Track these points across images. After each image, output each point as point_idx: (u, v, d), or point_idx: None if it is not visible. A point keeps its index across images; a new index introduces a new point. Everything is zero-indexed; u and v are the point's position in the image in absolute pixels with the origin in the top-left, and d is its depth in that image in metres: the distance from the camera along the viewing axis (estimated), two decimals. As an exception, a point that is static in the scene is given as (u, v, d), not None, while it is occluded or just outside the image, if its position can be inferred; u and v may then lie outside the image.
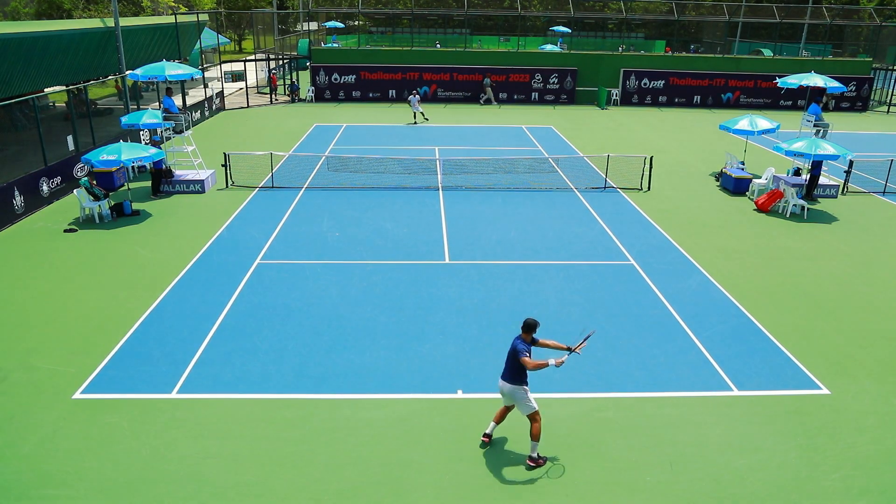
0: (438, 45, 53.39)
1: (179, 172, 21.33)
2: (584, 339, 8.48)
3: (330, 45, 53.54)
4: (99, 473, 8.33)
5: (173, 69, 20.93)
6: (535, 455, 8.58)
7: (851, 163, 22.06)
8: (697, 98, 40.75)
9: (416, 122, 33.36)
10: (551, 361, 8.16)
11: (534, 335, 8.47)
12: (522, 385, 8.42)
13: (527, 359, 8.19)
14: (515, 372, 8.39)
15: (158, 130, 22.76)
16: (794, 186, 19.86)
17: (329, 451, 8.84)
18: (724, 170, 22.58)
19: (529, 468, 8.56)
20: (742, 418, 9.68)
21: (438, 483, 8.30)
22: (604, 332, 12.10)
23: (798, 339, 12.06)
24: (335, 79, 39.83)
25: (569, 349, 8.46)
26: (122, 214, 18.22)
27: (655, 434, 9.30)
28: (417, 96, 33.53)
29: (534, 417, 8.48)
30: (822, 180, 21.99)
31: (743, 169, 22.28)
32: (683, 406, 9.96)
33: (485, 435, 9.00)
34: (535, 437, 8.49)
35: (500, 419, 8.97)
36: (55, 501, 7.87)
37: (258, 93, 42.78)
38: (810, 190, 21.01)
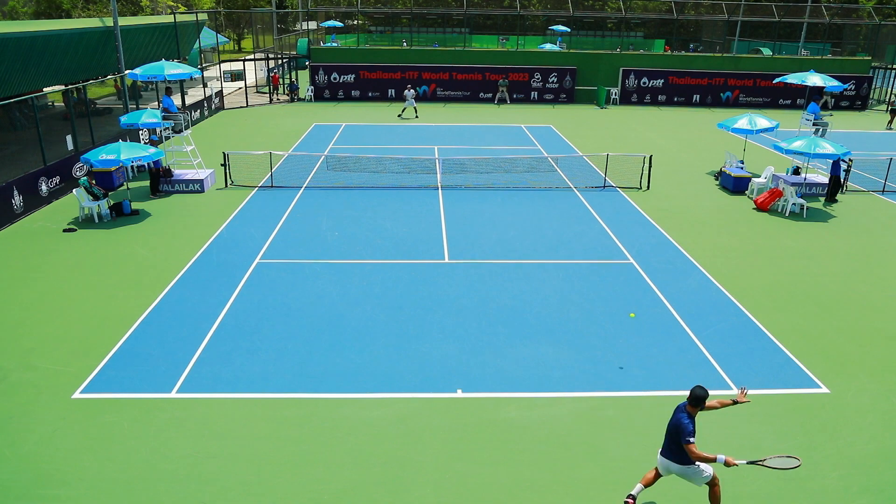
0: (405, 44, 53.20)
1: (179, 172, 21.31)
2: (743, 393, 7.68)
3: (329, 44, 53.52)
4: (98, 473, 8.33)
5: (172, 69, 20.92)
6: None
7: (851, 161, 22.05)
8: (697, 97, 40.75)
9: (406, 116, 34.29)
10: (720, 457, 7.07)
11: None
12: (692, 464, 7.40)
13: (693, 448, 7.11)
14: (682, 451, 7.31)
15: (157, 130, 22.78)
16: (793, 185, 19.87)
17: (329, 451, 8.84)
18: (723, 169, 22.59)
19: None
20: (741, 417, 9.68)
21: (438, 482, 8.30)
22: (603, 332, 12.10)
23: (797, 337, 12.06)
24: (334, 78, 39.81)
25: (736, 402, 7.67)
26: (121, 214, 18.21)
27: (655, 433, 9.29)
28: (413, 91, 34.60)
29: (712, 483, 7.57)
30: (822, 179, 22.00)
31: (742, 168, 22.29)
32: (683, 405, 9.96)
33: (629, 496, 7.83)
34: (716, 501, 7.63)
35: (650, 483, 7.89)
36: (55, 501, 7.87)
37: (257, 92, 42.74)
38: (833, 192, 20.68)
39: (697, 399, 7.25)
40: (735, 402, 7.66)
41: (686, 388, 10.36)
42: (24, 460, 8.56)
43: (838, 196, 21.01)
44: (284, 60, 43.79)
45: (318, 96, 39.97)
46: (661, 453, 7.64)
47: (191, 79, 25.90)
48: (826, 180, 21.87)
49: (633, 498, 7.83)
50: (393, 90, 40.04)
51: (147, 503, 7.86)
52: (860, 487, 8.32)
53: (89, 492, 8.02)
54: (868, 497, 8.16)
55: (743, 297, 13.70)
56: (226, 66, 48.84)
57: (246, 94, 39.11)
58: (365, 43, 53.33)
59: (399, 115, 34.59)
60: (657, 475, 7.87)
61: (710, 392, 10.23)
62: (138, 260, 15.18)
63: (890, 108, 35.55)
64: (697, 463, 7.37)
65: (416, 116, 34.43)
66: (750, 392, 10.29)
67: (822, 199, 21.03)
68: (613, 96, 40.59)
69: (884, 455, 8.93)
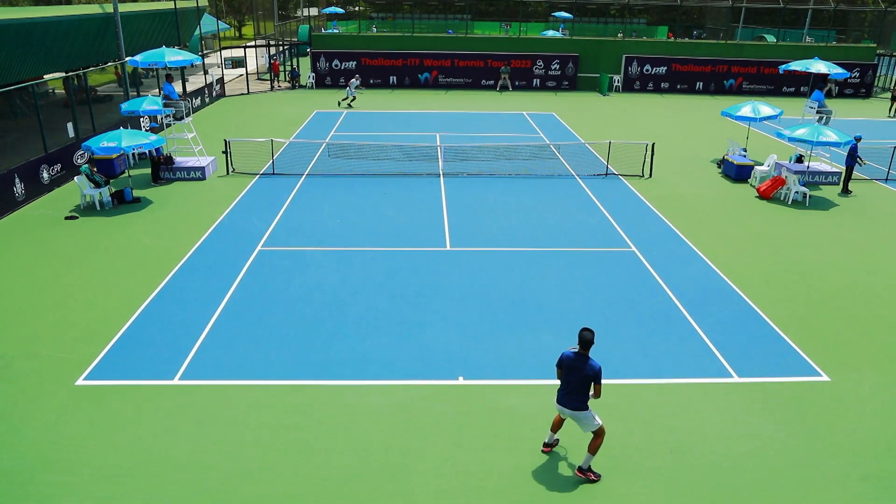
0: (374, 30, 52.41)
1: (180, 159, 21.28)
2: None
3: (330, 30, 53.26)
4: (102, 459, 8.39)
5: (173, 55, 20.83)
6: (586, 467, 8.20)
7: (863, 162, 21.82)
8: (700, 84, 40.55)
9: (350, 106, 33.57)
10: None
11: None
12: (588, 408, 8.01)
13: (600, 389, 7.89)
14: (586, 396, 7.94)
15: (158, 117, 22.71)
16: (796, 173, 19.81)
17: (330, 438, 8.89)
18: (725, 156, 22.52)
19: (578, 479, 8.21)
20: (742, 405, 9.71)
21: (439, 469, 8.34)
22: (604, 320, 12.11)
23: (799, 326, 12.07)
24: (336, 65, 39.64)
25: None
26: (122, 201, 18.20)
27: (655, 421, 9.34)
28: (357, 80, 34.07)
29: (598, 432, 8.06)
30: (824, 167, 21.94)
31: (745, 156, 22.22)
32: (683, 393, 9.99)
33: (545, 445, 8.67)
34: (593, 450, 8.10)
35: (558, 428, 8.59)
36: (59, 487, 7.92)
37: (258, 79, 42.59)
38: (846, 183, 20.42)
39: (590, 343, 7.79)
40: None
41: (686, 375, 10.42)
42: (29, 447, 8.61)
43: (850, 186, 20.65)
44: (285, 47, 43.59)
45: (320, 83, 39.83)
46: (559, 402, 8.11)
47: (191, 66, 25.81)
48: (829, 168, 21.80)
49: (549, 446, 8.66)
50: (394, 77, 39.91)
51: (150, 489, 7.92)
52: (860, 475, 8.35)
53: (93, 478, 8.07)
54: (868, 485, 8.19)
55: (744, 285, 13.69)
56: (226, 53, 48.65)
57: (247, 81, 38.98)
58: (366, 30, 53.05)
59: (340, 102, 33.90)
60: (562, 419, 8.48)
61: (711, 380, 10.30)
62: (140, 247, 15.19)
63: (893, 94, 35.36)
64: (591, 410, 8.05)
65: (350, 106, 33.60)
66: (750, 380, 10.34)
67: (838, 188, 20.82)
68: (616, 83, 40.41)
69: (884, 443, 8.96)
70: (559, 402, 8.13)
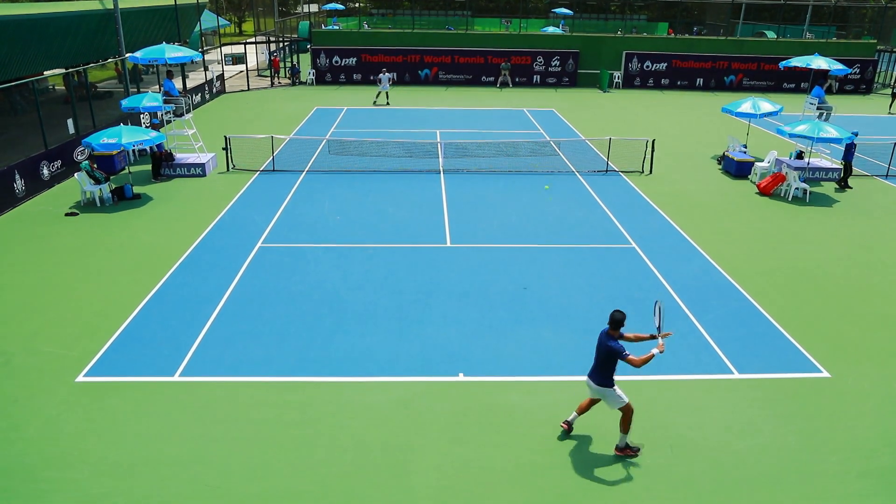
0: (366, 26, 51.62)
1: (180, 156, 21.26)
2: (660, 317, 8.28)
3: (330, 27, 53.18)
4: (102, 456, 8.39)
5: (173, 52, 20.78)
6: (622, 445, 8.50)
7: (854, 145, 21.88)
8: (700, 81, 40.49)
9: (387, 103, 33.27)
10: (655, 351, 7.95)
11: (621, 330, 8.20)
12: (612, 385, 8.27)
13: (633, 358, 7.92)
14: (608, 372, 8.24)
15: (159, 114, 22.69)
16: (796, 170, 19.79)
17: (331, 434, 8.89)
18: (726, 153, 22.50)
19: (616, 456, 8.52)
20: (742, 402, 9.71)
21: (439, 465, 8.35)
22: (605, 316, 12.08)
23: (799, 322, 12.07)
24: (336, 61, 39.59)
25: (654, 336, 8.30)
26: (123, 198, 18.20)
27: (656, 417, 9.34)
28: (388, 75, 33.61)
29: (624, 410, 8.30)
30: (825, 163, 21.92)
31: (745, 152, 22.20)
32: (684, 389, 10.00)
33: (565, 422, 8.91)
34: (624, 428, 8.36)
35: (583, 411, 8.85)
36: (59, 484, 7.93)
37: (258, 76, 42.53)
38: (845, 179, 20.39)
39: (617, 322, 8.11)
40: (652, 337, 8.37)
41: (687, 372, 10.43)
42: (29, 443, 8.62)
43: (850, 181, 20.64)
44: (286, 44, 43.55)
45: (320, 80, 39.78)
46: (588, 375, 8.52)
47: (192, 62, 25.76)
48: (831, 165, 21.78)
49: (569, 424, 8.88)
50: (394, 73, 39.80)
51: (151, 486, 7.93)
52: (860, 471, 8.36)
53: (93, 474, 8.08)
54: (867, 481, 8.20)
55: (745, 281, 13.69)
56: (227, 50, 48.60)
57: (247, 77, 38.95)
58: (366, 22, 52.93)
59: (376, 102, 33.62)
60: (591, 401, 8.78)
61: (711, 377, 10.31)
62: (141, 244, 15.18)
63: (893, 91, 35.33)
64: (615, 388, 8.29)
65: (388, 103, 33.36)
66: (751, 376, 10.34)
67: (834, 184, 20.83)
68: (616, 80, 40.35)
69: (884, 439, 8.96)
70: (588, 375, 8.51)
